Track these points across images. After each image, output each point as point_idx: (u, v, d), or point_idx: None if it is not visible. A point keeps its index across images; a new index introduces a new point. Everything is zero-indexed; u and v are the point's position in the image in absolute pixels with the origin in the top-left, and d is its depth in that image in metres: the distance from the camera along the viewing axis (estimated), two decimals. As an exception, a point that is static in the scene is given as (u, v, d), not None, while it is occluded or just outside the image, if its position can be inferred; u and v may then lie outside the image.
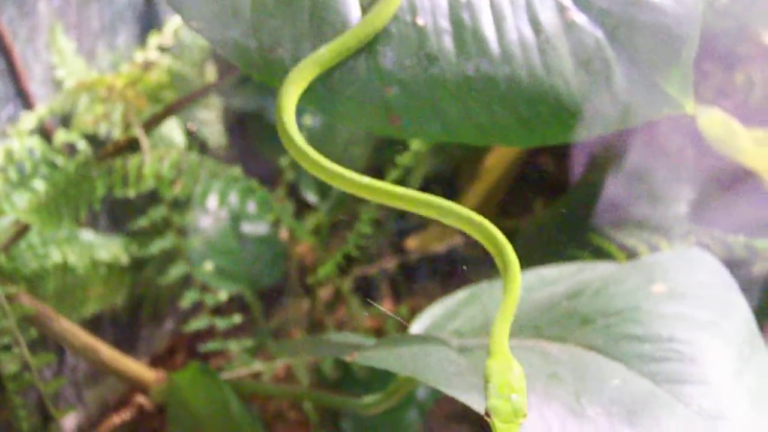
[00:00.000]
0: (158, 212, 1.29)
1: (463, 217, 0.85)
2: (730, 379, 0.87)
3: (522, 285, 1.03)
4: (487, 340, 0.85)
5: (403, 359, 0.87)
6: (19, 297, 1.22)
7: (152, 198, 1.32)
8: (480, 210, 1.57)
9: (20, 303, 1.21)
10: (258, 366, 1.27)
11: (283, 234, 1.49)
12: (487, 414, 0.77)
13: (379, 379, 1.20)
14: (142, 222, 1.30)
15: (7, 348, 1.25)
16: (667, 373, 0.85)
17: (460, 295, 1.06)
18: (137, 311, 1.64)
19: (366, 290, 1.49)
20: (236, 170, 1.28)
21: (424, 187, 1.63)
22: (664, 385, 0.85)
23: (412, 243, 1.53)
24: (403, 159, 1.26)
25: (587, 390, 0.83)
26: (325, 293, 1.46)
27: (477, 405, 0.81)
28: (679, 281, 0.93)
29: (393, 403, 1.05)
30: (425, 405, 1.23)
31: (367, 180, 0.81)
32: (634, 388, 0.84)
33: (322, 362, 1.24)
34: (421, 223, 1.62)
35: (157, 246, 1.30)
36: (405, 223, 1.63)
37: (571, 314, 0.92)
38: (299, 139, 0.84)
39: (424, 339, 0.95)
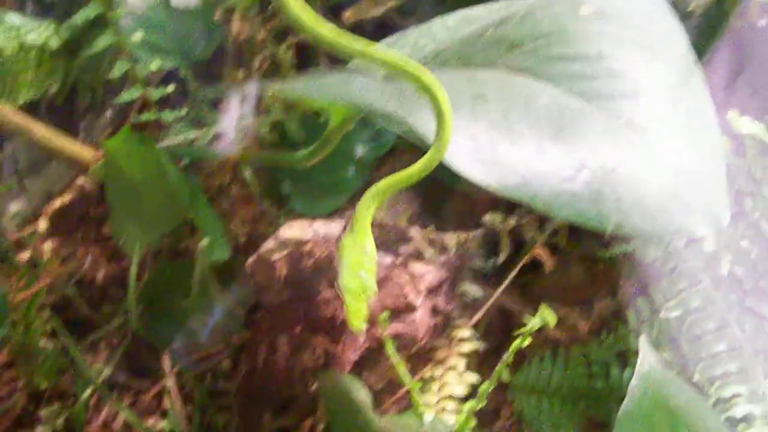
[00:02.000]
0: (80, -20, 1.25)
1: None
2: (664, 97, 0.86)
3: (446, 26, 1.02)
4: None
5: (325, 86, 0.86)
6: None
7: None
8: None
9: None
10: (193, 134, 1.25)
11: (218, 14, 1.45)
12: (341, 290, 0.88)
13: (314, 137, 1.18)
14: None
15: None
16: (597, 90, 0.84)
17: (389, 39, 1.04)
18: (73, 101, 1.61)
19: (303, 60, 1.46)
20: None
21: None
22: (594, 101, 0.84)
23: (348, 13, 1.49)
24: None
25: (515, 109, 0.82)
26: (261, 64, 1.43)
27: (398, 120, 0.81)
28: (608, 1, 0.91)
29: (327, 152, 1.04)
30: (363, 162, 1.22)
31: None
32: (564, 105, 0.83)
33: (258, 127, 1.23)
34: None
35: (81, 16, 1.26)
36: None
37: (497, 41, 0.90)
38: None
39: (346, 69, 0.93)
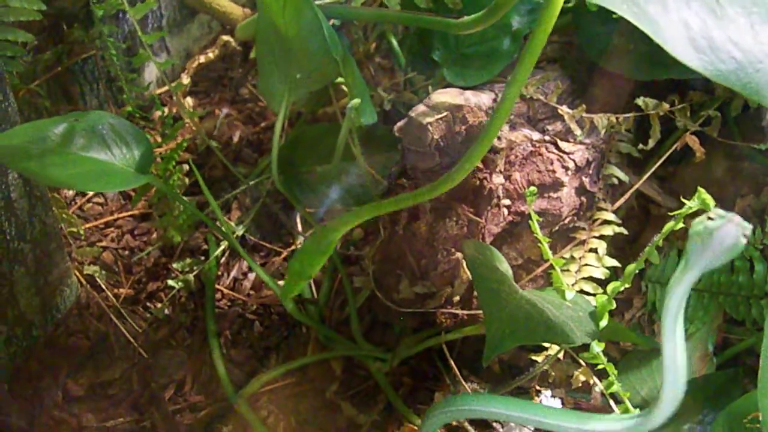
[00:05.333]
0: None
1: None
2: None
3: None
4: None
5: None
6: None
7: None
8: None
9: None
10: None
11: None
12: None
13: (471, 5, 1.15)
14: None
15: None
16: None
17: None
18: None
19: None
20: None
21: None
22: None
23: None
24: None
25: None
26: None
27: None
28: None
29: (487, 25, 1.01)
30: (518, 34, 1.19)
31: None
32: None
33: (414, -6, 1.20)
34: None
35: None
36: None
37: None
38: None
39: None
